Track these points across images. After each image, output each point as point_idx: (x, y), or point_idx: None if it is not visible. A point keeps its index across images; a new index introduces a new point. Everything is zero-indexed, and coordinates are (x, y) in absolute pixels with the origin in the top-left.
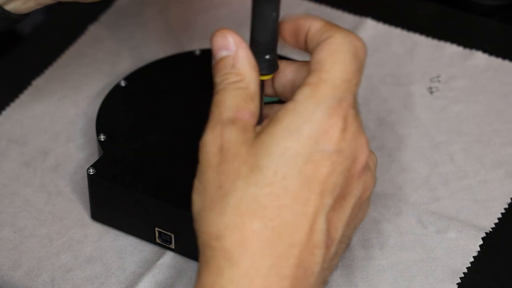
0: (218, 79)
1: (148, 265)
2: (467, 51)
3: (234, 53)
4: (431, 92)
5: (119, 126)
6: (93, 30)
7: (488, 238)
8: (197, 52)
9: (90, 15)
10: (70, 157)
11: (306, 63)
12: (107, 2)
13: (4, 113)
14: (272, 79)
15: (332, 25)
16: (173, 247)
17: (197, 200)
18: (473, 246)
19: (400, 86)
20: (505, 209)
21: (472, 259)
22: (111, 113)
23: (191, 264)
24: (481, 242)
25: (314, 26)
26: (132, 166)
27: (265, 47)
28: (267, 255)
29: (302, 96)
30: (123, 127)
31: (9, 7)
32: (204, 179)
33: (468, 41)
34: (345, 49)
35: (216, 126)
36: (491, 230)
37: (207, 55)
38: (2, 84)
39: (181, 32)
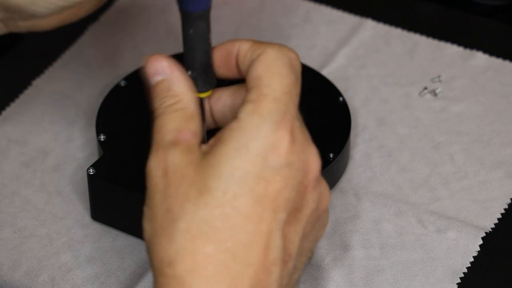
0: (156, 104)
1: (148, 265)
2: (467, 51)
3: (168, 76)
4: (435, 94)
5: (119, 126)
6: (93, 30)
7: (488, 238)
8: None
9: (90, 15)
10: (70, 157)
11: (243, 85)
12: (107, 2)
13: (4, 113)
14: (211, 109)
15: (261, 42)
16: None
17: (147, 226)
18: (473, 246)
19: (400, 86)
20: (505, 209)
21: (472, 259)
22: (111, 113)
23: None
24: (481, 242)
25: (243, 47)
26: (132, 166)
27: (198, 65)
28: (222, 279)
29: (245, 113)
30: (123, 127)
31: None
32: (153, 205)
33: (468, 41)
34: (280, 62)
35: (158, 150)
36: (491, 230)
37: None
38: (2, 84)
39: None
